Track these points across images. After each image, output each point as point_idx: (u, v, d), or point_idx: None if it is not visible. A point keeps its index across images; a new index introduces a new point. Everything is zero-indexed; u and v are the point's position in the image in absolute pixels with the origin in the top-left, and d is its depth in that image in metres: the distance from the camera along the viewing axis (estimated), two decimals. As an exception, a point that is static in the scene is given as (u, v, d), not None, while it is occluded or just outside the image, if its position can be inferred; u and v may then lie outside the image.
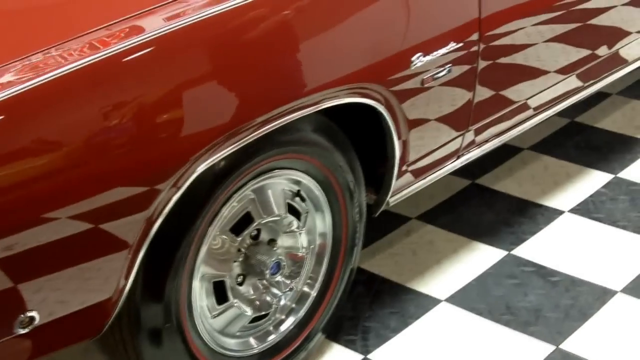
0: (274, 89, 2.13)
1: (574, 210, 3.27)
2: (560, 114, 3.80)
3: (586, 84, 3.28)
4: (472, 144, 2.85)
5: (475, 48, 2.58)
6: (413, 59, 2.40)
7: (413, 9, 2.41)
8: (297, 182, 2.38)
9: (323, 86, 2.22)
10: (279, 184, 2.34)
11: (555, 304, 2.80)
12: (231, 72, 2.06)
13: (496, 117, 2.87)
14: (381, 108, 2.38)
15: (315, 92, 2.20)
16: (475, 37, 2.57)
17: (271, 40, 2.14)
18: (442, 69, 2.50)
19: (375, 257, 3.04)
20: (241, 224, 2.28)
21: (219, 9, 2.04)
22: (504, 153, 3.62)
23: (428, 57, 2.44)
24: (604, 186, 3.42)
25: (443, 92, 2.55)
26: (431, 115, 2.57)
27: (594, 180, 3.46)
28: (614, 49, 3.33)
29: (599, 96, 4.08)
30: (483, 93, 2.72)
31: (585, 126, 3.85)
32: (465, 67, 2.58)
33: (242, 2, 2.07)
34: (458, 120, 2.68)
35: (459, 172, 3.42)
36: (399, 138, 2.48)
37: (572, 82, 3.18)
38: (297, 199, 2.39)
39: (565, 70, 3.09)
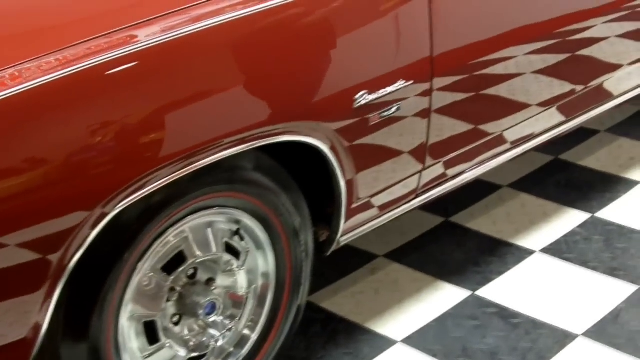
0: (200, 126, 2.07)
1: (545, 250, 3.18)
2: (544, 151, 3.76)
3: (564, 119, 3.20)
4: (432, 182, 2.77)
5: (427, 86, 2.51)
6: (356, 97, 2.33)
7: (355, 47, 2.34)
8: (237, 221, 2.31)
9: (256, 124, 2.16)
10: (215, 222, 2.27)
11: (513, 347, 2.70)
12: (156, 107, 2.00)
13: (458, 154, 2.79)
14: (323, 146, 2.32)
15: (246, 130, 2.14)
16: (427, 75, 2.50)
17: (201, 76, 2.08)
18: (390, 106, 2.43)
19: (337, 296, 2.97)
20: (174, 263, 2.22)
21: (132, 48, 1.97)
22: (482, 190, 3.54)
23: (373, 95, 2.37)
24: (580, 226, 3.32)
25: (392, 131, 2.48)
26: (381, 154, 2.51)
27: (570, 219, 3.37)
28: (595, 82, 3.23)
29: (587, 133, 3.99)
30: (439, 131, 2.65)
31: (568, 164, 3.76)
32: (417, 105, 2.52)
33: (163, 39, 2.01)
34: (412, 158, 2.60)
35: (432, 209, 3.37)
36: (345, 177, 2.41)
37: (547, 117, 3.10)
38: (236, 237, 2.33)
39: (536, 106, 3.00)
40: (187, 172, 2.06)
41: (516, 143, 3.05)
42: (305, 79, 2.25)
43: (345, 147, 2.37)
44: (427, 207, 3.34)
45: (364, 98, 2.35)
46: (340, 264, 3.09)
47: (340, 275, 3.07)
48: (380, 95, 2.39)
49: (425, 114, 2.55)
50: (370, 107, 2.38)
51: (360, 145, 2.41)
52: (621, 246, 3.18)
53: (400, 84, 2.43)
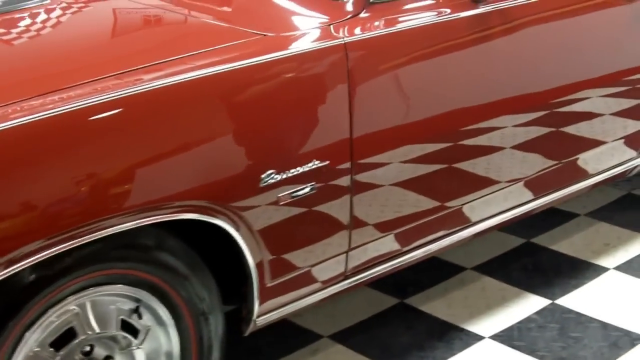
0: (83, 202, 2.01)
1: (495, 337, 3.04)
2: (517, 233, 3.63)
3: (528, 198, 3.07)
4: (367, 263, 2.67)
5: (346, 166, 2.43)
6: (263, 176, 2.26)
7: (263, 126, 2.27)
8: (137, 299, 2.24)
9: (149, 202, 2.09)
10: (110, 300, 2.20)
11: None
12: (37, 181, 1.95)
13: (395, 234, 2.68)
14: (227, 226, 2.24)
15: (138, 207, 2.07)
16: (346, 155, 2.42)
17: (91, 151, 2.03)
18: (303, 187, 2.34)
19: (271, 376, 2.87)
20: (65, 338, 2.15)
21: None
22: (444, 272, 3.42)
23: (283, 175, 2.29)
24: (537, 312, 3.18)
25: (308, 211, 2.39)
26: (296, 235, 2.42)
27: (528, 305, 3.22)
28: (556, 161, 3.11)
29: (565, 216, 3.85)
30: (365, 212, 2.55)
31: (539, 247, 3.62)
32: (336, 186, 2.42)
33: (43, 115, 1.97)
34: (334, 239, 2.50)
35: (388, 290, 3.26)
36: (254, 258, 2.32)
37: (501, 197, 2.98)
38: (135, 315, 2.25)
39: (495, 182, 2.90)
40: (69, 247, 2.00)
41: (468, 222, 2.92)
42: (206, 156, 2.18)
43: (253, 227, 2.29)
44: (383, 288, 3.25)
45: (271, 177, 2.27)
46: (282, 342, 2.99)
47: (278, 354, 2.96)
48: (290, 175, 2.31)
49: (345, 194, 2.46)
50: (279, 186, 2.29)
51: (271, 225, 2.33)
52: (575, 335, 3.03)
53: (314, 164, 2.34)
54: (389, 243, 2.69)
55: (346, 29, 2.44)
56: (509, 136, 2.87)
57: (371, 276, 2.74)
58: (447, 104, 2.63)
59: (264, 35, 2.36)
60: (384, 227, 2.64)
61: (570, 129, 3.12)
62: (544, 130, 3.00)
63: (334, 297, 2.69)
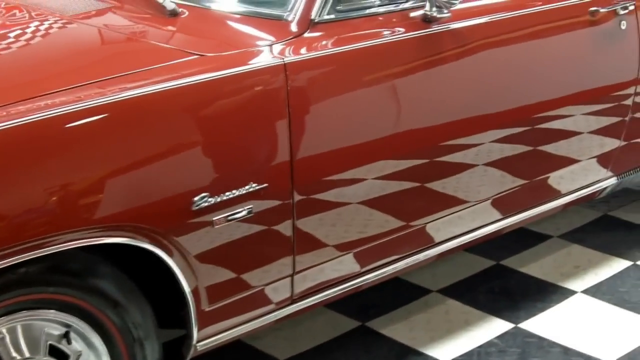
0: (8, 224, 1.96)
1: (453, 362, 2.96)
2: (487, 255, 3.57)
3: (487, 222, 3.02)
4: (318, 286, 2.60)
5: (287, 188, 2.36)
6: (196, 199, 2.19)
7: (195, 147, 2.21)
8: (67, 325, 2.18)
9: (72, 225, 2.04)
10: (41, 325, 2.14)
11: None
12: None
13: (344, 257, 2.62)
14: (160, 251, 2.18)
15: (60, 231, 2.02)
16: (286, 178, 2.35)
17: (18, 173, 1.97)
18: (239, 210, 2.28)
19: (222, 401, 2.80)
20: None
21: None
22: (408, 294, 3.35)
23: (217, 198, 2.23)
24: (499, 336, 3.10)
25: (246, 234, 2.33)
26: (234, 260, 2.36)
27: (491, 329, 3.15)
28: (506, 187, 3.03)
29: (537, 238, 3.78)
30: (309, 236, 2.48)
31: (508, 270, 3.54)
32: (275, 209, 2.36)
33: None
34: (277, 263, 2.44)
35: (351, 312, 3.19)
36: (190, 282, 2.26)
37: (461, 218, 2.89)
38: (65, 341, 2.18)
39: (458, 202, 2.84)
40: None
41: (430, 242, 2.87)
42: (134, 178, 2.12)
43: (187, 252, 2.22)
44: (344, 309, 3.18)
45: (204, 201, 2.21)
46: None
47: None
48: (225, 197, 2.24)
49: (287, 217, 2.39)
50: (214, 210, 2.23)
51: (206, 250, 2.26)
52: (535, 360, 2.96)
53: (251, 186, 2.28)
54: (342, 265, 2.63)
55: (288, 49, 2.38)
56: (469, 155, 2.80)
57: (324, 299, 2.67)
58: (396, 125, 2.57)
59: (201, 55, 2.29)
60: (334, 249, 2.56)
61: (539, 148, 3.04)
62: (506, 148, 2.92)
63: (291, 319, 2.62)
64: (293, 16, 2.44)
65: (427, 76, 2.63)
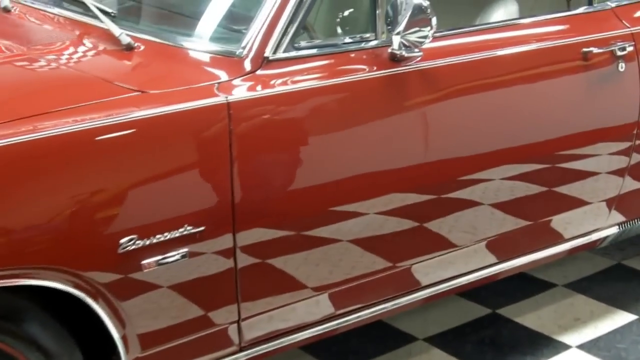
0: None
1: (425, 417, 2.80)
2: (483, 302, 3.40)
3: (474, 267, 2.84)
4: (272, 333, 2.47)
5: (227, 231, 2.24)
6: (122, 241, 2.09)
7: (122, 187, 2.10)
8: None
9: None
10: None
11: None
12: None
13: (305, 302, 2.49)
14: (84, 296, 2.08)
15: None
16: (226, 221, 2.24)
17: None
18: (172, 254, 2.17)
19: None
20: None
21: None
22: (392, 342, 3.19)
23: (147, 241, 2.12)
24: (479, 392, 2.92)
25: (180, 280, 2.21)
26: (169, 306, 2.24)
27: (472, 383, 2.97)
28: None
29: (541, 286, 3.59)
30: (255, 281, 2.36)
31: (503, 319, 3.36)
32: (214, 253, 2.24)
33: None
34: (219, 309, 2.31)
35: (325, 358, 3.05)
36: (119, 329, 2.15)
37: (426, 267, 2.76)
38: (-19, 384, 2.10)
39: (405, 254, 2.69)
40: None
41: (411, 286, 2.73)
42: (57, 217, 2.03)
43: (114, 296, 2.12)
44: (320, 354, 3.05)
45: (132, 243, 2.10)
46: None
47: None
48: (156, 240, 2.13)
49: (227, 262, 2.27)
50: (142, 253, 2.12)
51: (135, 295, 2.15)
52: (512, 420, 2.77)
53: (186, 229, 2.17)
54: (296, 311, 2.49)
55: (236, 87, 2.27)
56: (437, 203, 2.66)
57: (281, 345, 2.54)
58: (351, 168, 2.43)
59: (143, 92, 2.20)
60: (290, 295, 2.43)
61: (529, 194, 2.88)
62: (488, 196, 2.77)
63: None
64: (246, 53, 2.33)
65: (390, 119, 2.49)
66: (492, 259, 2.93)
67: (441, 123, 2.59)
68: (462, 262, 2.86)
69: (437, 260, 2.77)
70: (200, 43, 2.42)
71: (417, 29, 2.40)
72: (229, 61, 2.34)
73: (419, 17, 2.38)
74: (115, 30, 2.41)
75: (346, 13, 2.66)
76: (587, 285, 3.59)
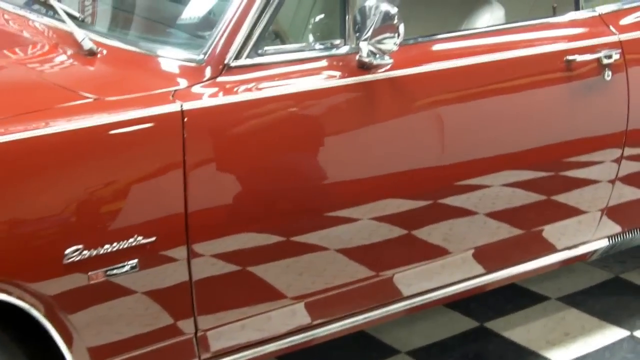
0: None
1: None
2: (472, 315, 3.31)
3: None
4: (235, 347, 2.41)
5: (180, 243, 2.18)
6: (68, 252, 2.03)
7: (67, 196, 2.04)
8: None
9: None
10: None
11: None
12: None
13: (269, 314, 2.42)
14: (29, 307, 2.02)
15: None
16: (179, 231, 2.17)
17: None
18: (121, 265, 2.11)
19: None
20: None
21: None
22: (376, 355, 3.11)
23: (94, 251, 2.06)
24: (457, 408, 2.83)
25: (130, 292, 2.15)
26: (120, 317, 2.17)
27: (449, 400, 2.88)
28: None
29: (534, 298, 3.49)
30: (212, 293, 2.29)
31: (490, 333, 3.26)
32: (166, 265, 2.18)
33: None
34: (172, 321, 2.25)
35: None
36: (67, 341, 2.09)
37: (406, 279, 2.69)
38: None
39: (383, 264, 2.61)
40: None
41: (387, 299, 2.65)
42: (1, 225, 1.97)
43: (60, 308, 2.06)
44: None
45: (78, 254, 2.04)
46: None
47: None
48: (103, 251, 2.07)
49: (181, 273, 2.21)
50: (89, 264, 2.06)
51: (83, 307, 2.09)
52: None
53: (136, 239, 2.10)
54: (274, 319, 2.43)
55: (193, 94, 2.20)
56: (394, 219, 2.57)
57: (250, 357, 2.47)
58: (310, 178, 2.36)
59: (98, 98, 2.14)
60: (250, 307, 2.36)
61: (512, 206, 2.79)
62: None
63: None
64: (207, 59, 2.27)
65: (359, 128, 2.41)
66: (479, 269, 2.84)
67: (413, 133, 2.50)
68: (448, 272, 2.78)
69: (421, 270, 2.68)
70: (163, 49, 2.36)
71: (384, 36, 2.31)
72: (190, 68, 2.27)
73: (386, 24, 2.30)
74: (79, 34, 2.36)
75: (317, 19, 2.59)
76: (581, 299, 3.48)
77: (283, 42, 2.49)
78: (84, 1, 2.72)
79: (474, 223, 2.73)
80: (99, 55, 2.35)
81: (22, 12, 2.65)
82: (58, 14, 2.47)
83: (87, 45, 2.34)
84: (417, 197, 2.54)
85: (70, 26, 2.40)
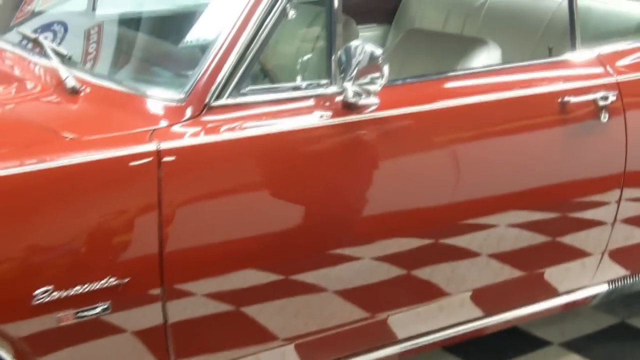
0: None
1: None
2: (471, 359, 3.22)
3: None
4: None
5: (155, 285, 2.13)
6: (37, 292, 2.00)
7: (38, 235, 2.01)
8: None
9: None
10: None
11: None
12: None
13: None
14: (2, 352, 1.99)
15: None
16: (153, 273, 2.13)
17: None
18: (92, 306, 2.07)
19: None
20: None
21: None
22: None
23: (64, 292, 2.03)
24: None
25: (102, 334, 2.10)
26: (92, 358, 2.13)
27: None
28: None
29: (535, 344, 3.39)
30: (188, 338, 2.24)
31: (487, 380, 3.18)
32: (140, 307, 2.13)
33: None
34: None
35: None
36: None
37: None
38: None
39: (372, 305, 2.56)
40: None
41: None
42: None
43: (29, 351, 2.02)
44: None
45: (48, 295, 2.01)
46: None
47: None
48: (74, 292, 2.04)
49: (155, 316, 2.16)
50: (59, 305, 2.02)
51: (54, 350, 2.05)
52: None
53: (108, 281, 2.07)
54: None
55: (172, 134, 2.17)
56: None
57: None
58: (288, 221, 2.31)
59: (76, 138, 2.12)
60: (228, 352, 2.31)
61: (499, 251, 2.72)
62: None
63: None
64: (188, 98, 2.23)
65: (339, 171, 2.36)
66: (478, 312, 2.77)
67: (400, 174, 2.45)
68: (445, 315, 2.72)
69: (418, 312, 2.63)
70: (147, 87, 2.34)
71: (369, 76, 2.27)
72: (171, 107, 2.25)
73: (371, 65, 2.26)
74: (63, 72, 2.34)
75: (306, 58, 2.55)
76: (584, 344, 3.39)
77: (272, 82, 2.45)
78: (89, 41, 2.71)
79: (474, 264, 2.66)
80: (82, 94, 2.33)
81: (15, 50, 2.64)
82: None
83: (70, 83, 2.33)
84: (404, 237, 2.48)
85: (55, 64, 2.38)
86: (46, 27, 2.75)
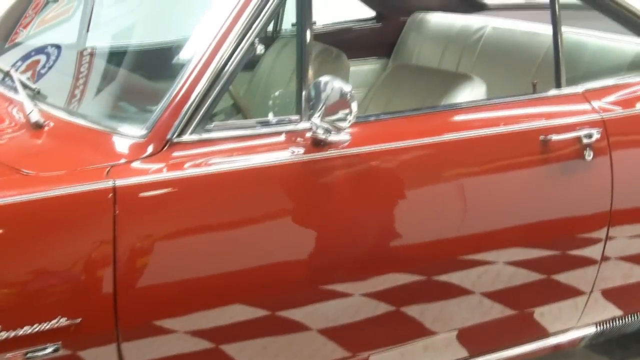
0: None
1: None
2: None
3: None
4: None
5: (109, 325, 2.08)
6: (-16, 331, 1.94)
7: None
8: None
9: None
10: None
11: None
12: None
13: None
14: None
15: None
16: (107, 313, 2.07)
17: None
18: (42, 347, 2.01)
19: None
20: None
21: None
22: None
23: (12, 332, 1.97)
24: None
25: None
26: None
27: None
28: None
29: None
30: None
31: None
32: (92, 349, 2.07)
33: None
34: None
35: None
36: None
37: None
38: None
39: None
40: None
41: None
42: None
43: (-26, 392, 1.96)
44: None
45: (-4, 334, 1.95)
46: None
47: None
48: (22, 332, 1.98)
49: (109, 357, 2.09)
50: (6, 346, 1.97)
51: (3, 388, 2.00)
52: None
53: (59, 321, 2.01)
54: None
55: (130, 170, 2.11)
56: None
57: None
58: (251, 260, 2.24)
59: (32, 174, 2.07)
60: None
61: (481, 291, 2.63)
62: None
63: None
64: (149, 134, 2.18)
65: (309, 208, 2.29)
66: (463, 352, 2.69)
67: (369, 212, 2.38)
68: (430, 354, 2.63)
69: (401, 351, 2.54)
70: (111, 123, 2.29)
71: (338, 113, 2.21)
72: (133, 143, 2.19)
73: (340, 101, 2.20)
74: (28, 106, 2.30)
75: (277, 93, 2.50)
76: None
77: (245, 117, 2.40)
78: (61, 74, 2.67)
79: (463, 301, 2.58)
80: (46, 128, 2.28)
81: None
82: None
83: (34, 117, 2.29)
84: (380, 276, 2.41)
85: (22, 98, 2.34)
86: (25, 58, 2.72)
